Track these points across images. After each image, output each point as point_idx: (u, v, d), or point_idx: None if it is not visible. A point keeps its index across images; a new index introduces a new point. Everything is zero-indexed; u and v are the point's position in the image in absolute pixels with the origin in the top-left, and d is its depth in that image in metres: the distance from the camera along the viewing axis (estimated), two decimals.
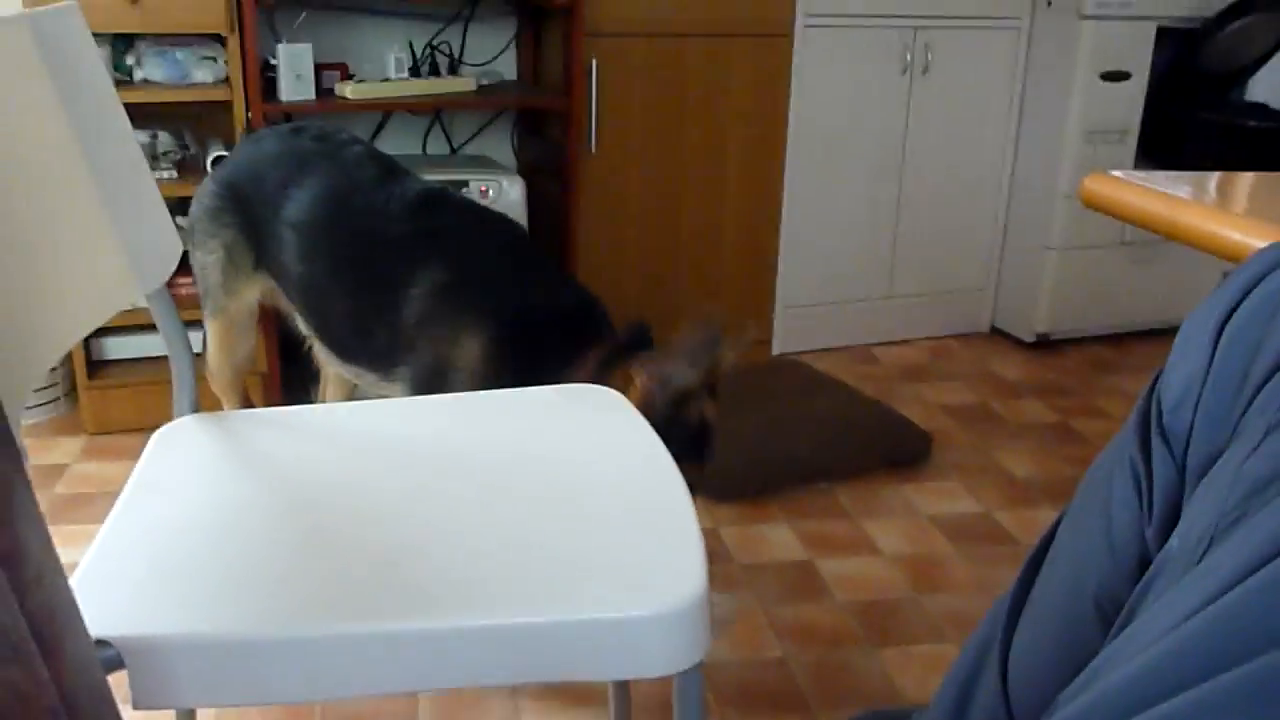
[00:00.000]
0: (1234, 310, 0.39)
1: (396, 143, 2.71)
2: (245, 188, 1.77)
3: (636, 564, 0.88)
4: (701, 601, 0.83)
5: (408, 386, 1.65)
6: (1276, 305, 0.37)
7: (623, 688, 1.43)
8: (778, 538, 2.08)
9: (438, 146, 2.77)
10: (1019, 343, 3.15)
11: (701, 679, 0.89)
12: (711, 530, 2.08)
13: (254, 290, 1.84)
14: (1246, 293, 0.39)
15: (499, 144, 2.82)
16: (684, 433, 1.52)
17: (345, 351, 1.75)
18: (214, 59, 2.27)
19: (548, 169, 2.65)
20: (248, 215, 1.77)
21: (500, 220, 1.75)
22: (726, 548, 2.02)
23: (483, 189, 2.32)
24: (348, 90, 2.37)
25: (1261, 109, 3.13)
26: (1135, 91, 2.91)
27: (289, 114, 2.52)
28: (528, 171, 2.67)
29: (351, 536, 0.93)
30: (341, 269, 1.70)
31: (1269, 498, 0.31)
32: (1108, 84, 2.88)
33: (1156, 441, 0.40)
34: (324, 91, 2.39)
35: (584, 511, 0.96)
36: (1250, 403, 0.36)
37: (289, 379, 2.49)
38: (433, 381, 1.60)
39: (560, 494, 0.99)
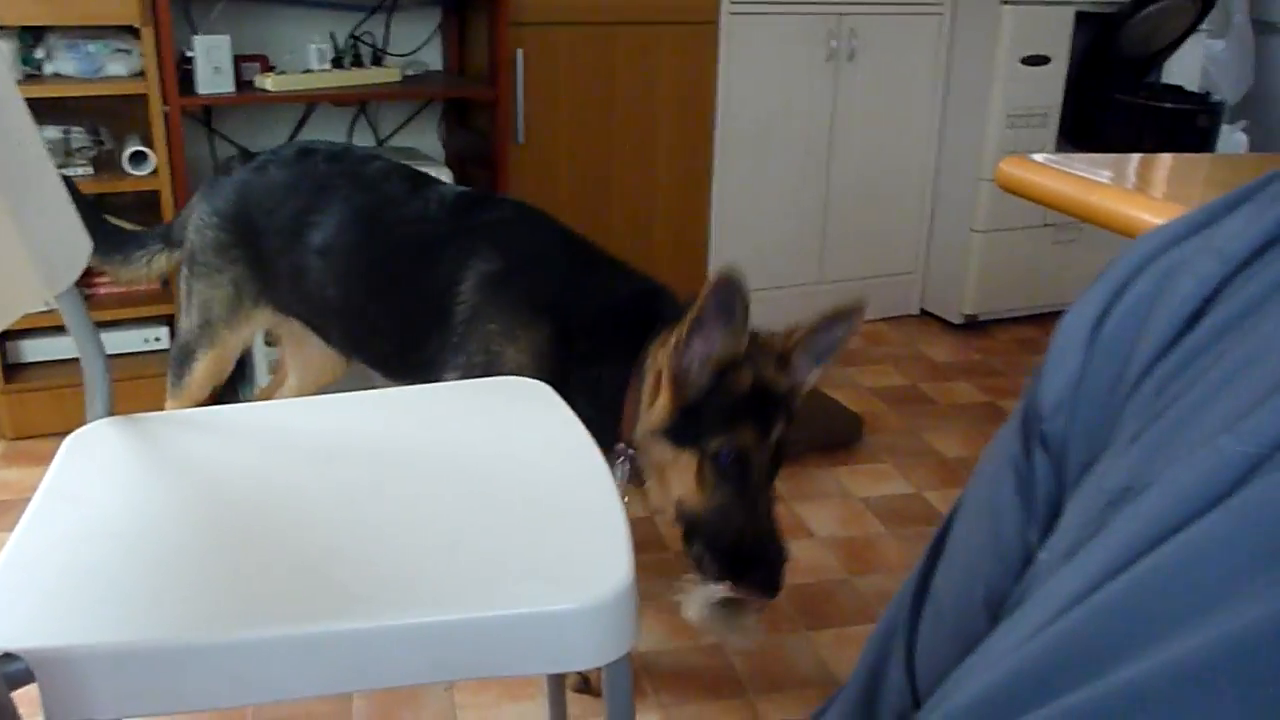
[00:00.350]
0: (1108, 311, 0.39)
1: (321, 136, 2.67)
2: (255, 220, 1.69)
3: (562, 558, 0.88)
4: (628, 593, 0.83)
5: None
6: (1150, 306, 0.37)
7: (557, 678, 1.43)
8: None
9: (364, 139, 2.73)
10: (948, 324, 3.20)
11: (630, 669, 0.89)
12: (646, 517, 2.08)
13: (255, 324, 1.78)
14: (1122, 289, 0.39)
15: (426, 135, 2.79)
16: (727, 411, 1.35)
17: (392, 369, 1.67)
18: (128, 51, 2.21)
19: (476, 160, 2.63)
20: (256, 248, 1.69)
21: (544, 214, 1.66)
22: (659, 535, 2.03)
23: None
24: (268, 82, 2.33)
25: (1176, 90, 3.20)
26: (1055, 75, 2.96)
27: (208, 107, 2.47)
28: (456, 162, 2.64)
29: (272, 538, 0.92)
30: (385, 286, 1.63)
31: (1121, 511, 0.32)
32: (1029, 68, 2.92)
33: (1036, 447, 0.40)
34: (244, 84, 2.34)
35: (510, 506, 0.95)
36: (1124, 409, 0.36)
37: None
38: None
39: (486, 489, 0.98)
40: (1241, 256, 0.34)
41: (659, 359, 1.40)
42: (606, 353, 1.49)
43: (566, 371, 1.45)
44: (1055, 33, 2.93)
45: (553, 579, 0.84)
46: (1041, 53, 2.93)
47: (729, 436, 1.34)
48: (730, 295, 1.30)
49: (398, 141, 2.75)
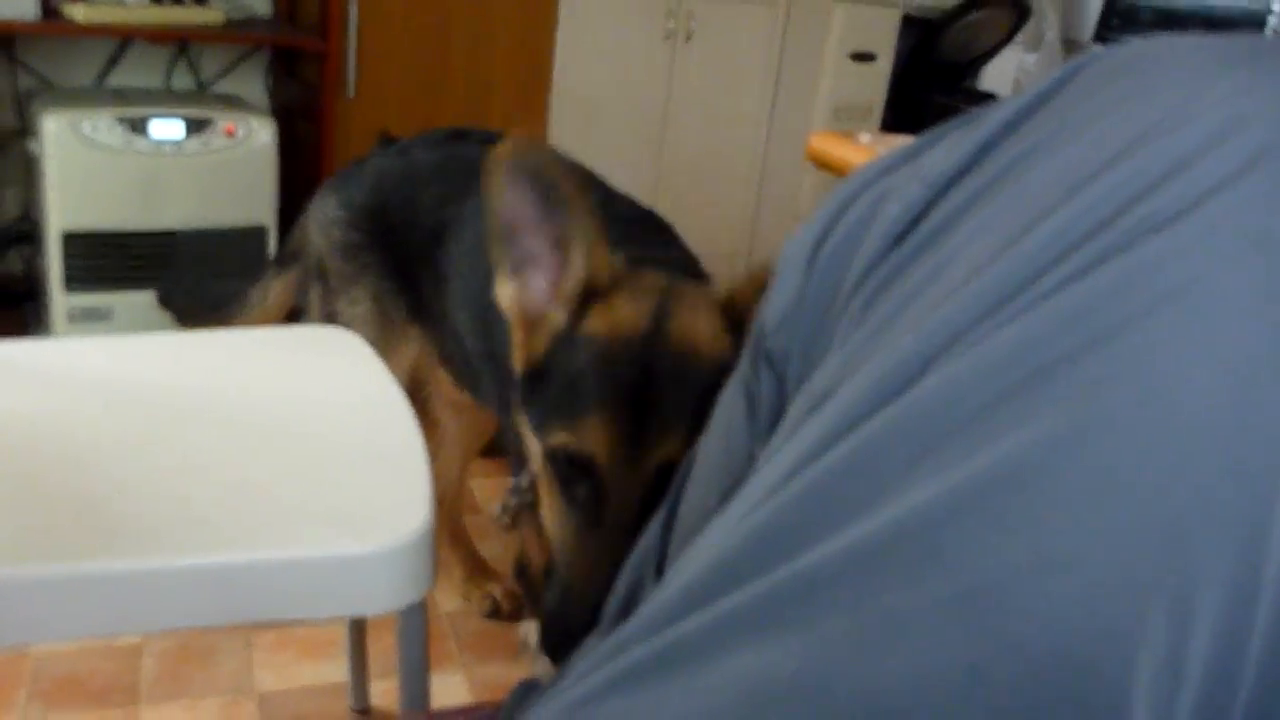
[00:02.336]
0: (828, 235, 0.41)
1: (137, 75, 2.54)
2: (394, 215, 1.34)
3: (359, 502, 0.87)
4: (424, 539, 0.83)
5: None
6: (864, 229, 0.39)
7: (359, 639, 1.41)
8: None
9: (184, 82, 2.61)
10: None
11: (424, 616, 0.89)
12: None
13: (412, 350, 1.38)
14: (840, 214, 0.41)
15: (251, 83, 2.69)
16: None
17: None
18: None
19: (302, 112, 2.55)
20: (396, 251, 1.34)
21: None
22: (477, 500, 2.03)
23: (229, 127, 2.20)
24: (78, 12, 2.19)
25: (990, 97, 3.38)
26: (880, 73, 3.09)
27: (9, 36, 2.31)
28: (281, 113, 2.55)
29: (51, 475, 0.87)
30: (481, 322, 1.21)
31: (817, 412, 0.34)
32: (856, 64, 3.04)
33: (762, 365, 0.42)
34: (50, 12, 2.20)
35: (308, 451, 0.94)
36: (836, 325, 0.38)
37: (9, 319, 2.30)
38: None
39: (284, 433, 0.96)
40: (942, 181, 0.38)
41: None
42: None
43: None
44: (883, 32, 3.05)
45: (348, 522, 0.84)
46: (869, 50, 3.05)
47: (570, 430, 0.82)
48: (538, 173, 0.80)
49: (221, 88, 2.64)
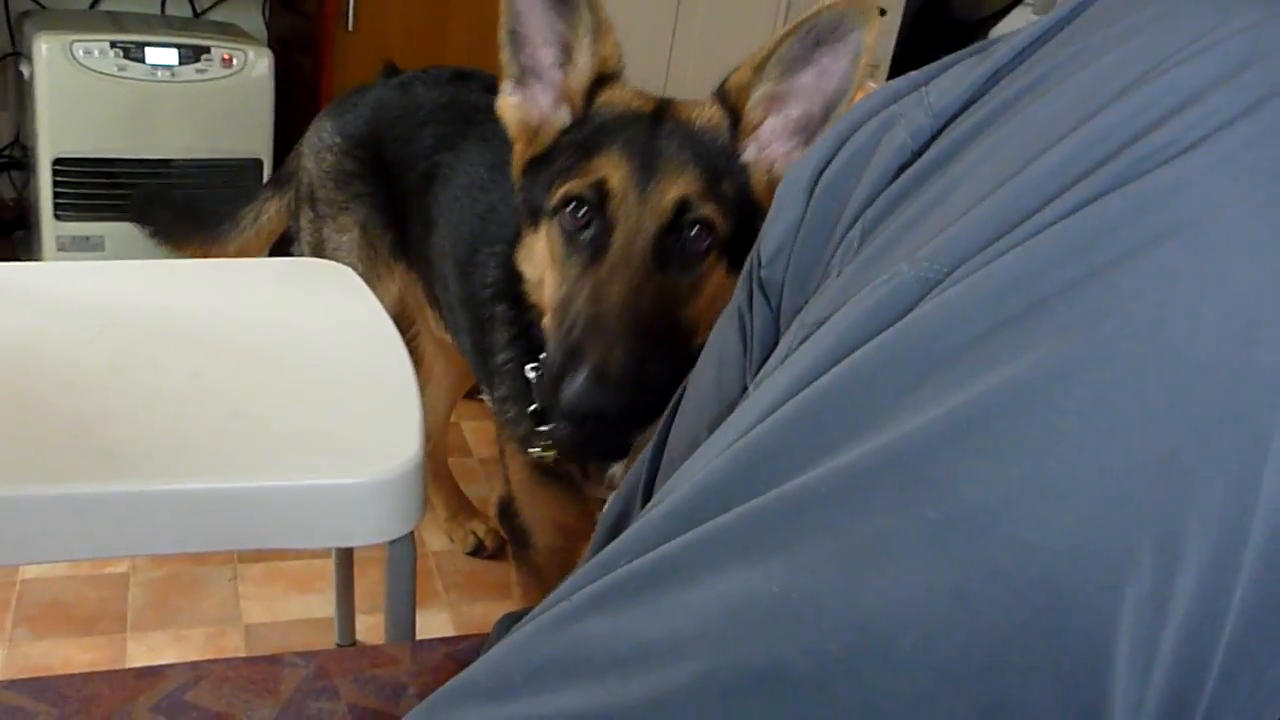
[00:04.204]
0: (829, 163, 0.41)
1: (132, 0, 2.49)
2: (389, 149, 1.32)
3: (351, 433, 0.87)
4: (414, 472, 0.83)
5: None
6: (867, 157, 0.39)
7: (345, 574, 1.42)
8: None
9: (179, 8, 2.57)
10: None
11: (413, 549, 0.89)
12: (455, 423, 2.08)
13: (394, 283, 1.37)
14: (844, 142, 0.40)
15: (249, 12, 2.64)
16: None
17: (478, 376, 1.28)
18: None
19: (300, 45, 2.51)
20: (388, 185, 1.33)
21: None
22: (467, 442, 2.03)
23: (225, 57, 2.17)
24: None
25: None
26: (889, 29, 3.05)
27: None
28: (278, 45, 2.51)
29: (43, 399, 0.87)
30: (461, 270, 1.22)
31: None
32: None
33: (756, 293, 0.42)
34: None
35: (300, 381, 0.93)
36: (833, 257, 0.38)
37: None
38: None
39: (276, 363, 0.96)
40: (950, 111, 0.37)
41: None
42: None
43: None
44: None
45: (339, 453, 0.84)
46: (880, 4, 3.01)
47: (580, 175, 0.82)
48: None
49: (217, 15, 2.60)
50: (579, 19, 0.82)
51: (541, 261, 0.86)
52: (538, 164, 0.85)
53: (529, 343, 0.97)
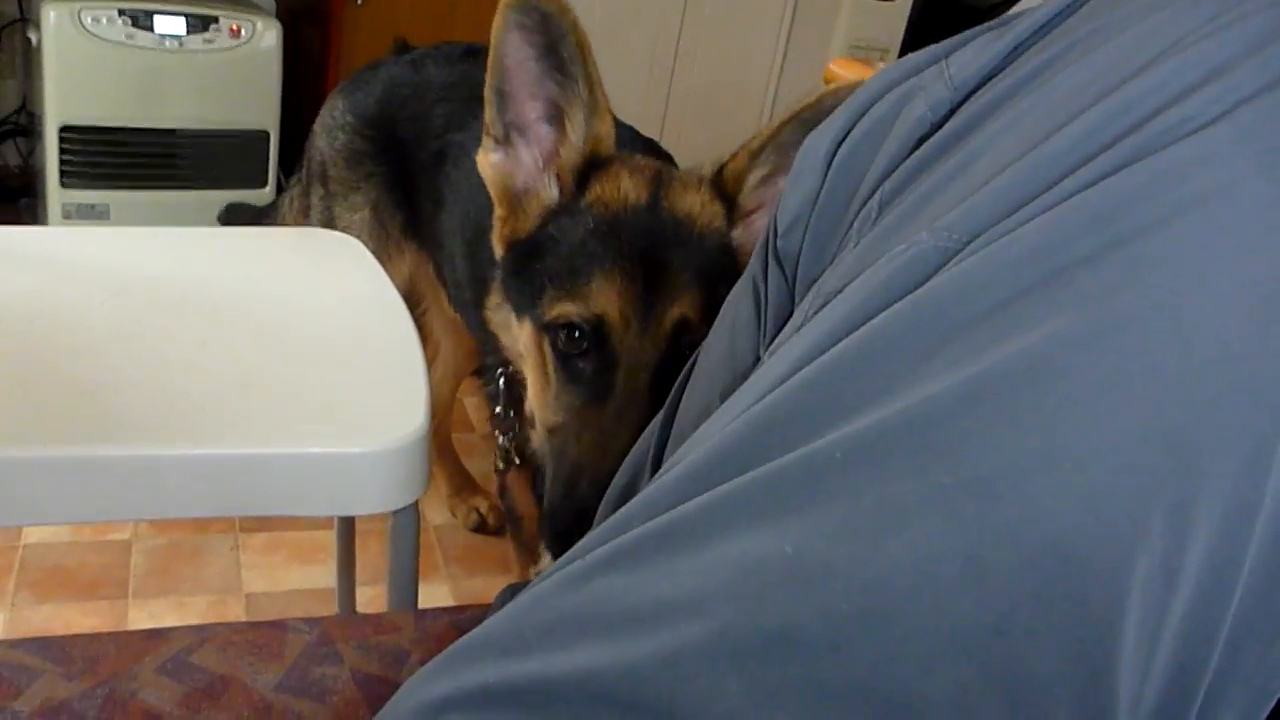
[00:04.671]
0: (848, 134, 0.40)
1: None
2: (400, 129, 1.32)
3: (356, 402, 0.87)
4: (420, 442, 0.84)
5: None
6: (885, 131, 0.39)
7: (347, 544, 1.42)
8: None
9: None
10: None
11: (416, 519, 0.90)
12: (459, 400, 2.08)
13: (404, 263, 1.36)
14: (863, 113, 0.40)
15: None
16: None
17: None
18: None
19: (309, 17, 2.50)
20: (399, 165, 1.32)
21: None
22: (470, 419, 2.03)
23: (234, 27, 2.17)
24: None
25: None
26: (900, 13, 3.04)
27: None
28: (287, 16, 2.50)
29: (49, 362, 0.87)
30: (467, 246, 1.22)
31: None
32: (875, 2, 2.99)
33: (771, 263, 0.42)
34: None
35: (307, 349, 0.93)
36: (850, 228, 0.38)
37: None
38: None
39: (283, 331, 0.96)
40: (970, 84, 0.37)
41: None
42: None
43: None
44: None
45: (344, 422, 0.84)
46: None
47: (573, 298, 0.76)
48: (545, 23, 0.76)
49: None
50: (574, 92, 0.78)
51: (528, 353, 0.82)
52: (525, 248, 0.81)
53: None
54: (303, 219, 1.44)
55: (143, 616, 1.44)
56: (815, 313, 0.34)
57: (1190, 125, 0.29)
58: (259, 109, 2.23)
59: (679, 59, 2.97)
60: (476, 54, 1.37)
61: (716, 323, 0.46)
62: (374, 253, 1.22)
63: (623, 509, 0.33)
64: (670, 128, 3.04)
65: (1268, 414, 0.27)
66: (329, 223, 1.38)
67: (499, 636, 0.32)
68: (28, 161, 2.43)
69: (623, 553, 0.31)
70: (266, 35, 2.22)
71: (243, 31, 2.18)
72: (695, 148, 3.32)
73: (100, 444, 0.78)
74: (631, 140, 1.24)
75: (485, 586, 1.60)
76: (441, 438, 1.73)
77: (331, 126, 1.37)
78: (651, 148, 1.23)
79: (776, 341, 0.36)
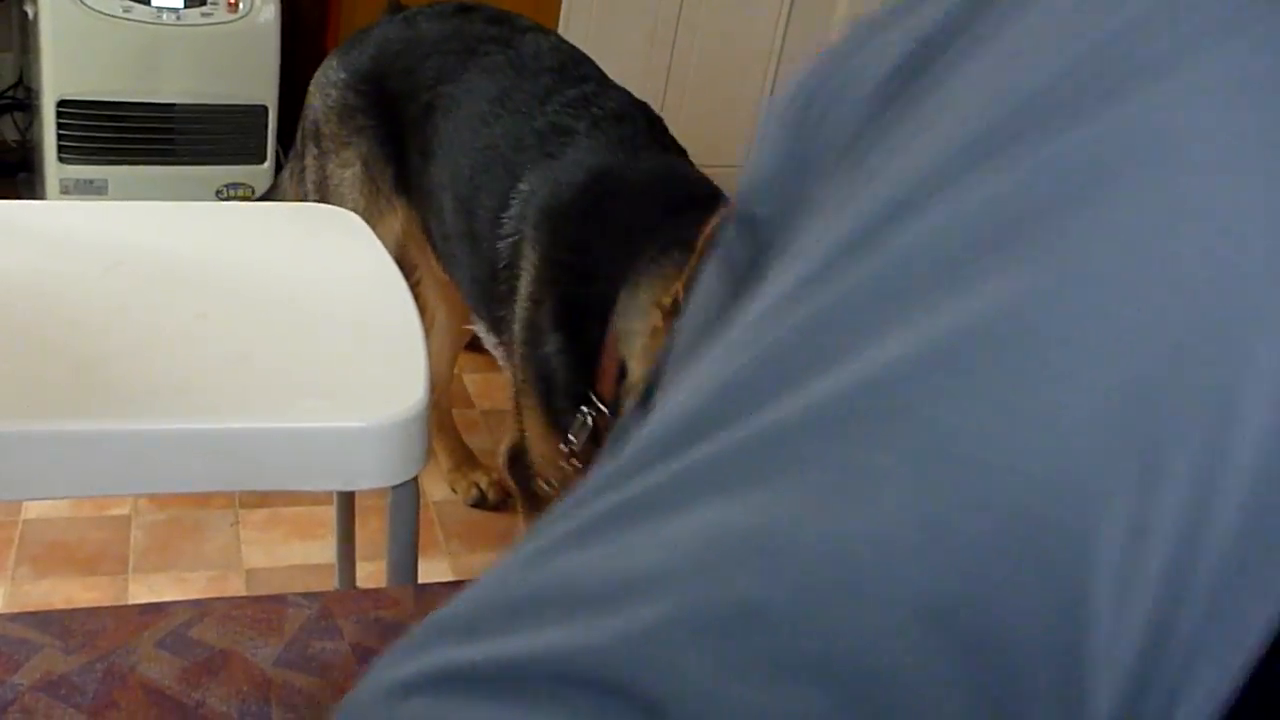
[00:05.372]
0: (816, 95, 0.39)
1: None
2: (391, 82, 1.34)
3: (356, 377, 0.87)
4: (420, 416, 0.83)
5: None
6: (856, 88, 0.37)
7: (347, 520, 1.42)
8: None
9: None
10: None
11: (416, 494, 0.90)
12: (457, 375, 2.08)
13: (395, 219, 1.38)
14: (831, 75, 0.39)
15: None
16: None
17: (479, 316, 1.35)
18: None
19: None
20: (390, 119, 1.35)
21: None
22: (469, 394, 2.03)
23: (231, 1, 2.15)
24: None
25: None
26: None
27: None
28: None
29: (48, 336, 0.87)
30: (465, 200, 1.26)
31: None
32: None
33: (742, 233, 0.41)
34: None
35: (306, 324, 0.93)
36: (818, 186, 0.37)
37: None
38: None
39: (283, 305, 0.95)
40: (940, 37, 0.35)
41: (660, 293, 0.98)
42: (599, 269, 1.12)
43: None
44: None
45: (344, 396, 0.84)
46: None
47: None
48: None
49: None
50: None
51: None
52: None
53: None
54: (299, 188, 1.45)
55: (143, 591, 1.44)
56: (780, 276, 0.33)
57: (1154, 67, 0.28)
58: (257, 83, 2.21)
59: (680, 28, 2.95)
60: (469, 10, 1.40)
61: (691, 298, 0.46)
62: (365, 211, 1.27)
63: (584, 484, 0.32)
64: (671, 97, 3.02)
65: (1231, 361, 0.26)
66: (321, 182, 1.39)
67: (465, 616, 0.31)
68: (25, 136, 2.42)
69: (582, 529, 0.30)
70: (265, 9, 2.21)
71: (240, 5, 2.17)
72: (697, 117, 3.32)
73: (99, 418, 0.77)
74: (620, 109, 1.27)
75: (485, 562, 1.60)
76: (441, 412, 1.73)
77: (325, 85, 1.40)
78: (641, 116, 1.24)
79: (740, 309, 0.35)
